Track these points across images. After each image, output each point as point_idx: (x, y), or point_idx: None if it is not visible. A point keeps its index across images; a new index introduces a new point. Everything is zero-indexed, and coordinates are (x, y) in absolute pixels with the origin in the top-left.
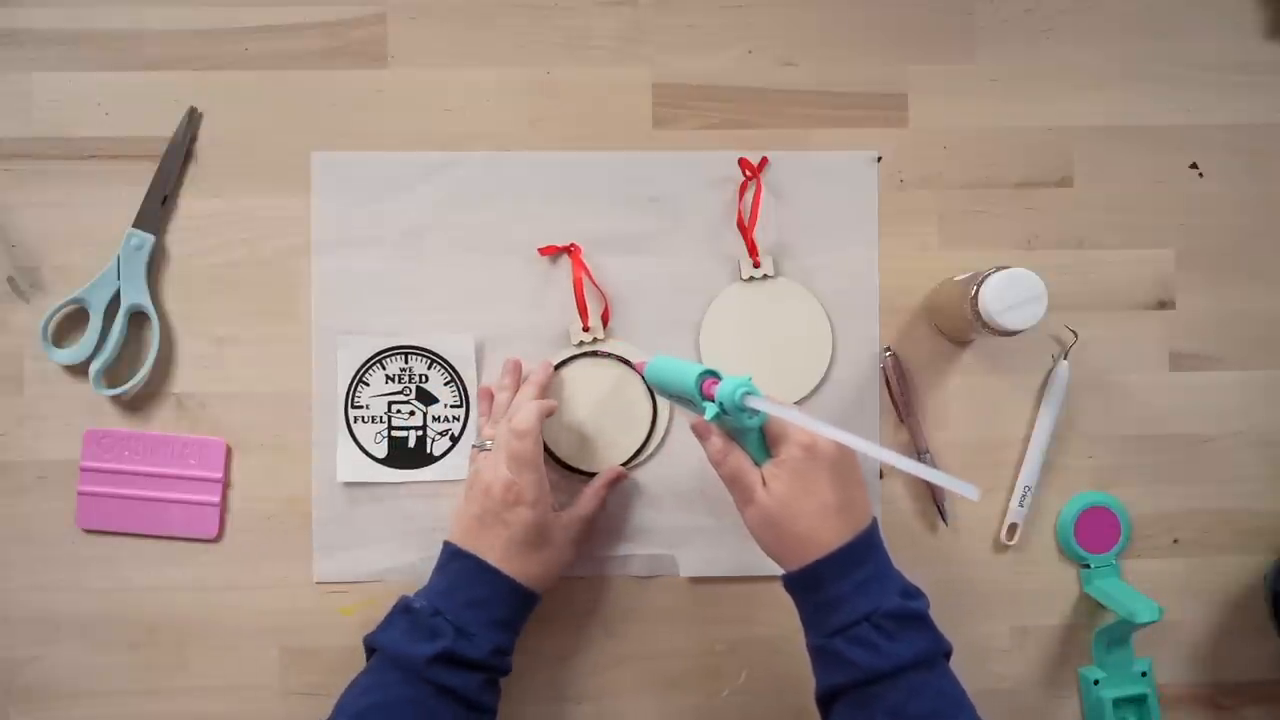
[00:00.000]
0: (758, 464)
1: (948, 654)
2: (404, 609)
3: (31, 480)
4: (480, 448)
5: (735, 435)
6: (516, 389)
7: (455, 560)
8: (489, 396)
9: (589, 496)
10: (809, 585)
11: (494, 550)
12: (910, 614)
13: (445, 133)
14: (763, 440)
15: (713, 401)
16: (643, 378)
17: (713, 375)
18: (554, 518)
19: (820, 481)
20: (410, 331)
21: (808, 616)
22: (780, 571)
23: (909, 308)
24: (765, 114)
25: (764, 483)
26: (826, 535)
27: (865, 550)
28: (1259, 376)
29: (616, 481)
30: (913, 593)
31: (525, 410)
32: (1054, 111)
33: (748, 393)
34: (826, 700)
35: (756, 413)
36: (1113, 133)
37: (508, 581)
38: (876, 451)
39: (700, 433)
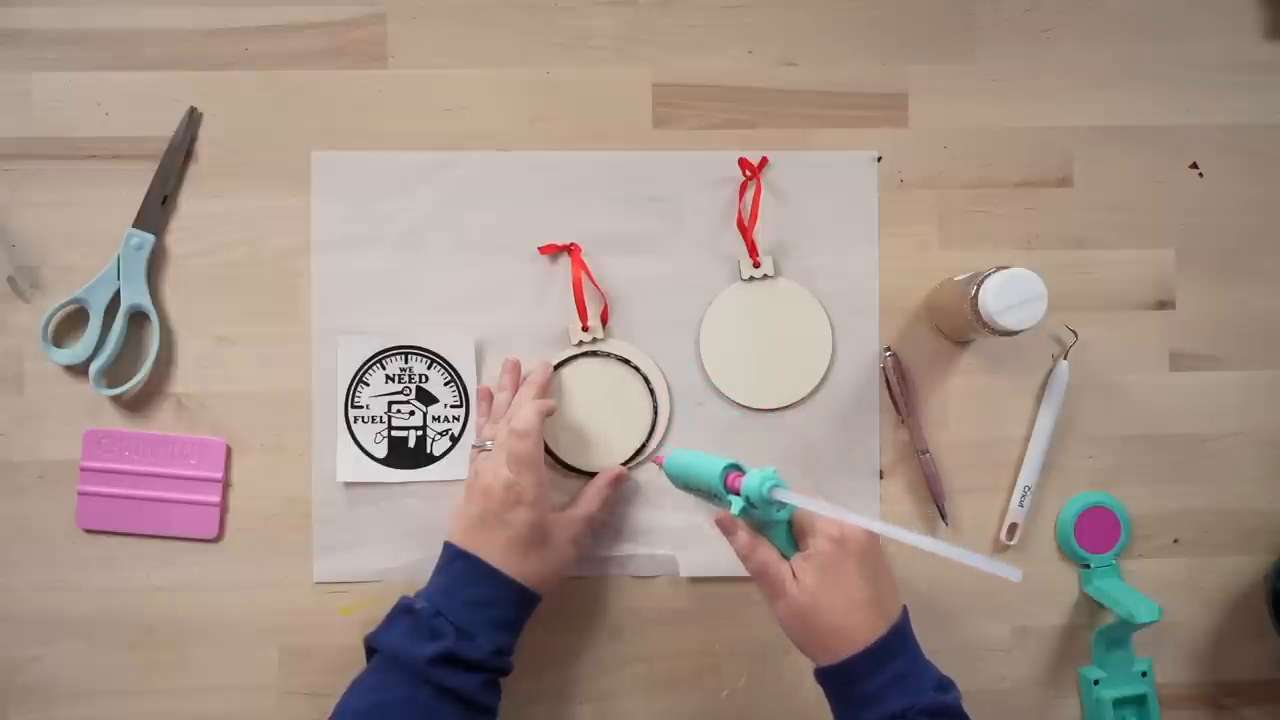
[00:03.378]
0: (786, 557)
1: None
2: (405, 609)
3: (31, 480)
4: (480, 448)
5: (761, 528)
6: (516, 389)
7: (456, 561)
8: (488, 396)
9: (589, 496)
10: (843, 680)
11: (494, 551)
12: (944, 709)
13: (445, 133)
14: (790, 532)
15: (738, 495)
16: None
17: (736, 469)
18: (554, 518)
19: (850, 574)
20: (410, 331)
21: (840, 709)
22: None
23: (909, 308)
24: (765, 114)
25: (793, 576)
26: (859, 628)
27: (899, 643)
28: (1259, 376)
29: (617, 481)
30: (945, 685)
31: (525, 410)
32: (1054, 111)
33: (775, 485)
34: None
35: (784, 505)
36: (1113, 133)
37: (509, 582)
38: (909, 538)
39: (726, 528)
